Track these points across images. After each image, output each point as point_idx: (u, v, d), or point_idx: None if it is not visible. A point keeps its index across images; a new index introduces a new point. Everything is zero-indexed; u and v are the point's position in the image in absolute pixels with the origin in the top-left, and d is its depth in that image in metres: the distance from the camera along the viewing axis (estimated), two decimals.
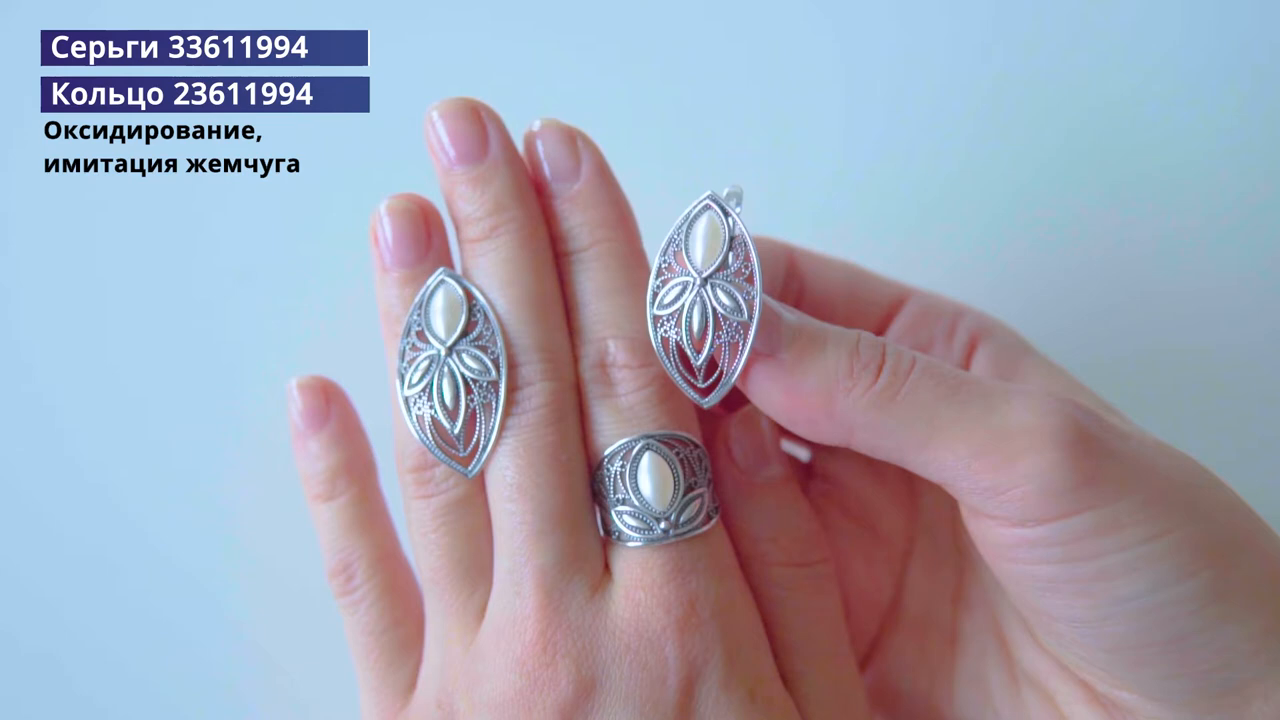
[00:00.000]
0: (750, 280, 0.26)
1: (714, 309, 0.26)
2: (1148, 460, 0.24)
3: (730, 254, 0.26)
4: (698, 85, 0.39)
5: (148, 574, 0.39)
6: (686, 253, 0.26)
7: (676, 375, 0.27)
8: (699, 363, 0.26)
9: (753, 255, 0.26)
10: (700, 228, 0.26)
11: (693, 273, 0.26)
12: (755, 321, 0.25)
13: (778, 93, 0.39)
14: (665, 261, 0.27)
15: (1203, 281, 0.39)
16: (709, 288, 0.26)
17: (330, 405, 0.30)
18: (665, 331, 0.26)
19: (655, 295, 0.27)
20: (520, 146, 0.29)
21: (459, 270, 0.28)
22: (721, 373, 0.26)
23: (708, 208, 0.26)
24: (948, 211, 0.40)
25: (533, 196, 0.27)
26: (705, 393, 0.26)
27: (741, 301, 0.26)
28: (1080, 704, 0.27)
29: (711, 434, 0.29)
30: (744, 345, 0.26)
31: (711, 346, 0.26)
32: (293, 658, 0.39)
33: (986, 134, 0.40)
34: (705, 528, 0.27)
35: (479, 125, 0.27)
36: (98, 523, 0.39)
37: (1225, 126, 0.39)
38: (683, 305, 0.26)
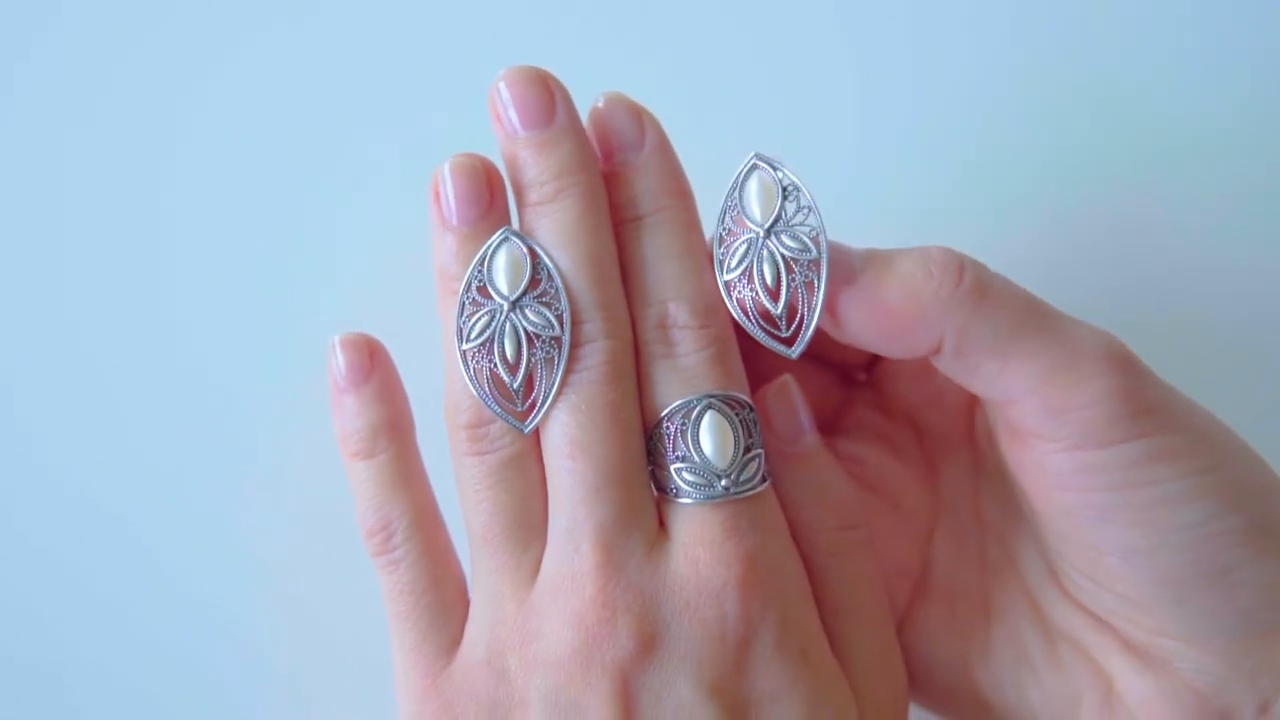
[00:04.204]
0: (811, 223, 0.26)
1: (782, 255, 0.26)
2: (1187, 402, 0.26)
3: (785, 203, 0.27)
4: (713, 72, 0.40)
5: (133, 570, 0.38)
6: (744, 212, 0.27)
7: (759, 332, 0.27)
8: (778, 311, 0.26)
9: (808, 198, 0.27)
10: (752, 186, 0.27)
11: (754, 228, 0.27)
12: (825, 253, 0.26)
13: (791, 84, 0.40)
14: (725, 228, 0.27)
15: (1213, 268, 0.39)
16: (773, 237, 0.26)
17: (373, 361, 0.29)
18: (739, 293, 0.27)
19: (721, 262, 0.27)
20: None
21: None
22: (803, 318, 0.26)
23: (755, 167, 0.27)
24: (961, 202, 0.40)
25: (595, 164, 0.28)
26: (790, 341, 0.27)
27: (807, 241, 0.26)
28: (1117, 654, 0.27)
29: None
30: (819, 281, 0.26)
31: (788, 291, 0.26)
32: (295, 655, 0.38)
33: (999, 123, 0.40)
34: (761, 487, 0.27)
35: (546, 92, 0.27)
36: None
37: (1226, 126, 0.39)
38: (751, 260, 0.27)
